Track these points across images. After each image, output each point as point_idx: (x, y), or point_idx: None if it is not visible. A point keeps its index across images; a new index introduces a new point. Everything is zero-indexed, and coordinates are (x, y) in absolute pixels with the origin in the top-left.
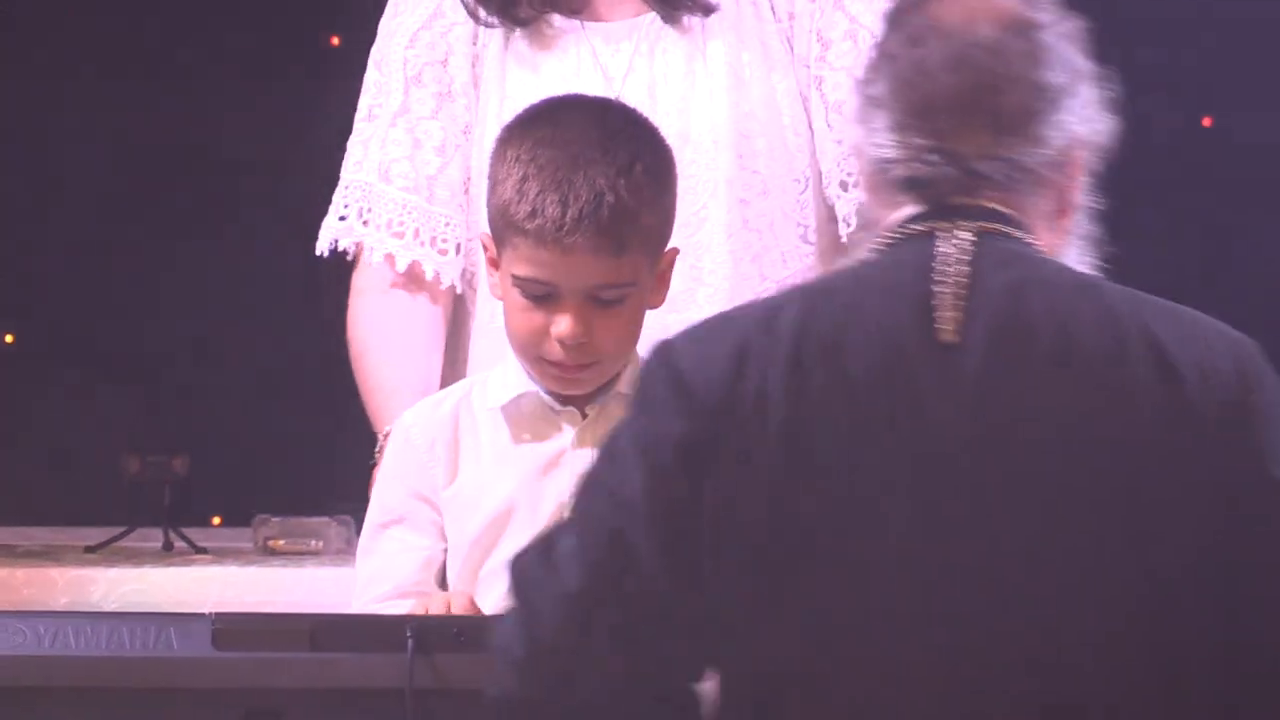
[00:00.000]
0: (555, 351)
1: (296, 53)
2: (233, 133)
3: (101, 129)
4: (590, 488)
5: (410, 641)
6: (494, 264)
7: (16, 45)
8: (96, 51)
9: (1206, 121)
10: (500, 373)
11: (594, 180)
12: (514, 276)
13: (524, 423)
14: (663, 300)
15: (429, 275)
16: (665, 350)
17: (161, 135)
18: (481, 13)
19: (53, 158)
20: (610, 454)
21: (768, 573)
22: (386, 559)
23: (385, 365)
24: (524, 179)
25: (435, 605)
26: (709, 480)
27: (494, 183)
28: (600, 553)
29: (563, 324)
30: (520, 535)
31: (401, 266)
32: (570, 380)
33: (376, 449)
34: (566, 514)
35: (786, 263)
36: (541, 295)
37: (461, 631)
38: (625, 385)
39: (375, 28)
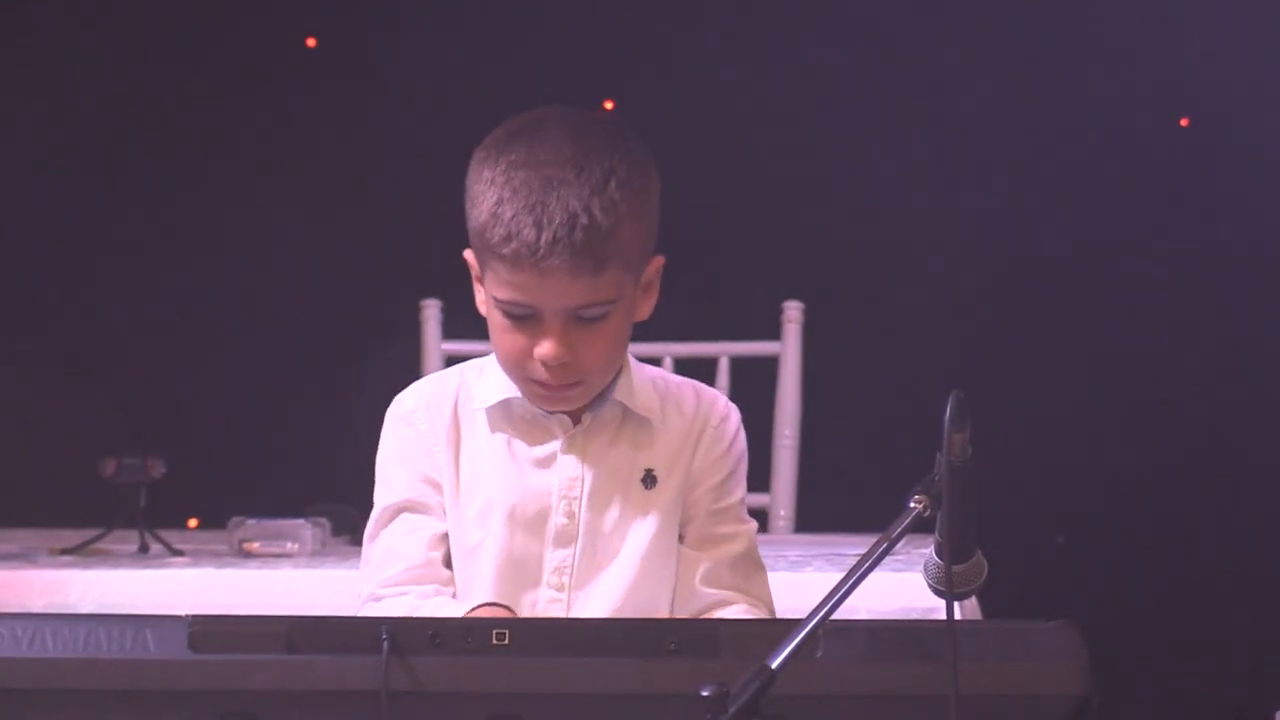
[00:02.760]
0: (540, 371)
1: (279, 54)
2: (217, 134)
3: (86, 132)
4: None
5: (386, 643)
6: (479, 281)
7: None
8: (89, 45)
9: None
10: (494, 368)
11: (567, 202)
12: (495, 298)
13: (514, 423)
14: (650, 310)
15: None
16: None
17: (147, 137)
18: None
19: (27, 157)
20: None
21: None
22: (396, 539)
23: None
24: (499, 202)
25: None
26: None
27: (471, 204)
28: None
29: (545, 345)
30: (503, 533)
31: None
32: (557, 398)
33: None
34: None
35: None
36: (523, 316)
37: (437, 634)
38: (620, 394)
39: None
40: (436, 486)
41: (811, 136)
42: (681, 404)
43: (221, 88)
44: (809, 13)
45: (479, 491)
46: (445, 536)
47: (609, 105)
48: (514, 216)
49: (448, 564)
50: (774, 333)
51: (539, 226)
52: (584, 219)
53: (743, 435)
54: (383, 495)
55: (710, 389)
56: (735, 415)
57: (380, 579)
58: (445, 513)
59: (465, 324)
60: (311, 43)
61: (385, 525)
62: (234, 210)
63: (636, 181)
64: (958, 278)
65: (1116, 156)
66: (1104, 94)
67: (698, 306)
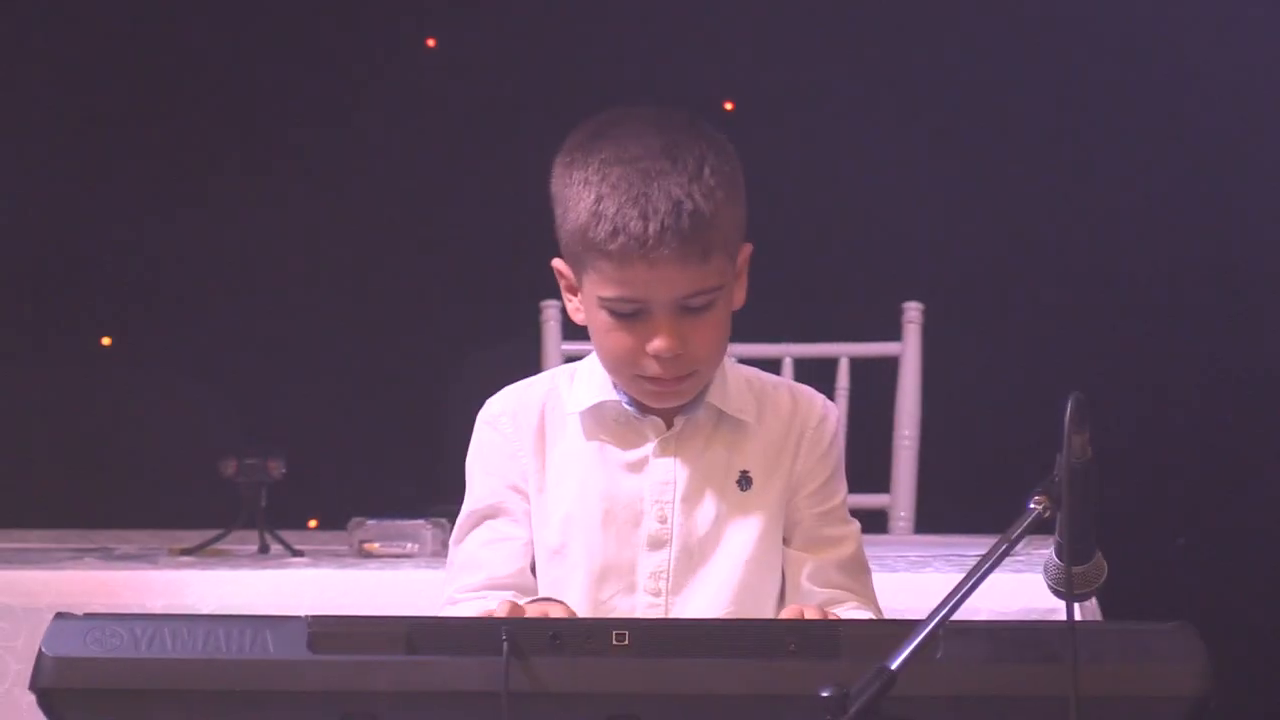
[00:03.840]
0: (652, 367)
1: (390, 53)
2: (343, 137)
3: (208, 139)
4: None
5: (506, 644)
6: (572, 290)
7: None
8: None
9: None
10: (586, 374)
11: (669, 190)
12: (600, 298)
13: (606, 428)
14: (744, 298)
15: None
16: None
17: (275, 140)
18: None
19: (150, 167)
20: None
21: None
22: (479, 548)
23: None
24: (598, 199)
25: (531, 614)
26: None
27: (564, 208)
28: None
29: (658, 339)
30: (596, 537)
31: None
32: (670, 393)
33: None
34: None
35: None
36: (631, 313)
37: (557, 634)
38: (714, 397)
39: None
40: (521, 493)
41: (934, 136)
42: (778, 405)
43: (350, 91)
44: (938, 12)
45: (568, 496)
46: (528, 544)
47: (729, 106)
48: (618, 211)
49: (533, 570)
50: (894, 333)
51: (645, 217)
52: (688, 205)
53: (842, 434)
54: (468, 500)
55: (807, 388)
56: (834, 414)
57: (460, 585)
58: (529, 518)
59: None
60: (432, 42)
61: (469, 531)
62: (357, 211)
63: (726, 167)
64: (1078, 278)
65: (1246, 162)
66: (1238, 101)
67: (818, 307)
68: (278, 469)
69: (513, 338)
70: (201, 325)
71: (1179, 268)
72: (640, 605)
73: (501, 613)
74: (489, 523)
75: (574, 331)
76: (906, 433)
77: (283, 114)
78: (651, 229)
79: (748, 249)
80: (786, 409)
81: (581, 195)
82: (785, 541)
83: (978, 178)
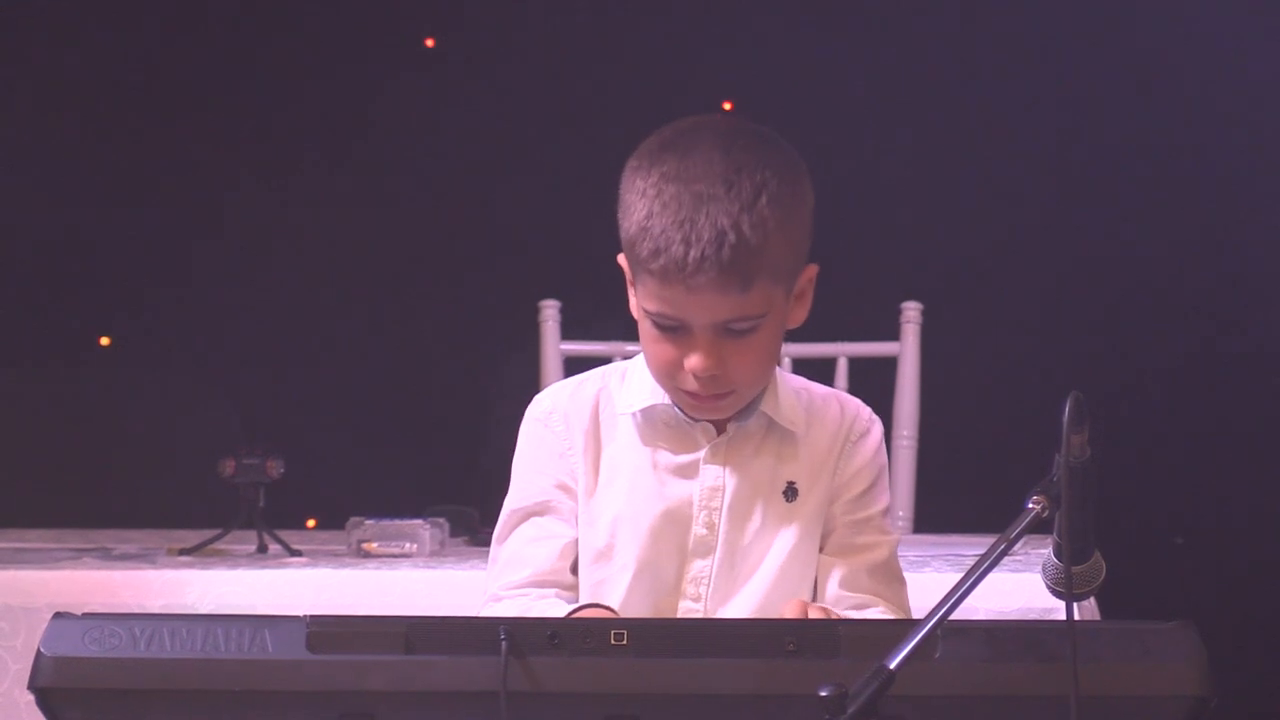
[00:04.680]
0: (690, 381)
1: (390, 53)
2: (341, 135)
3: (206, 140)
4: None
5: (504, 644)
6: (632, 285)
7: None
8: (199, 61)
9: None
10: (637, 375)
11: (716, 219)
12: (645, 309)
13: (658, 430)
14: (804, 317)
15: None
16: None
17: (274, 138)
18: None
19: (151, 168)
20: None
21: None
22: (524, 544)
23: None
24: (648, 216)
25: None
26: None
27: (624, 213)
28: None
29: (694, 358)
30: (642, 540)
31: None
32: (707, 408)
33: None
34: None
35: None
36: (672, 327)
37: (555, 634)
38: (767, 406)
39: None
40: (569, 491)
41: (933, 136)
42: (826, 416)
43: (350, 91)
44: (937, 12)
45: (617, 497)
46: (574, 543)
47: (727, 106)
48: (663, 232)
49: (575, 571)
50: (892, 333)
51: (687, 243)
52: (732, 237)
53: (884, 449)
54: (514, 497)
55: (855, 400)
56: (878, 428)
57: (504, 582)
58: (575, 517)
59: (583, 326)
60: (430, 42)
61: (514, 528)
62: (356, 211)
63: (787, 195)
64: (1078, 278)
65: (1242, 163)
66: (1227, 100)
67: (816, 307)
68: (276, 469)
69: (512, 338)
70: (201, 325)
71: (1178, 267)
72: (681, 610)
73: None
74: (535, 519)
75: (574, 332)
76: (905, 432)
77: (283, 115)
78: (692, 255)
79: (811, 271)
80: (834, 420)
81: (637, 205)
82: (820, 548)
83: (977, 178)
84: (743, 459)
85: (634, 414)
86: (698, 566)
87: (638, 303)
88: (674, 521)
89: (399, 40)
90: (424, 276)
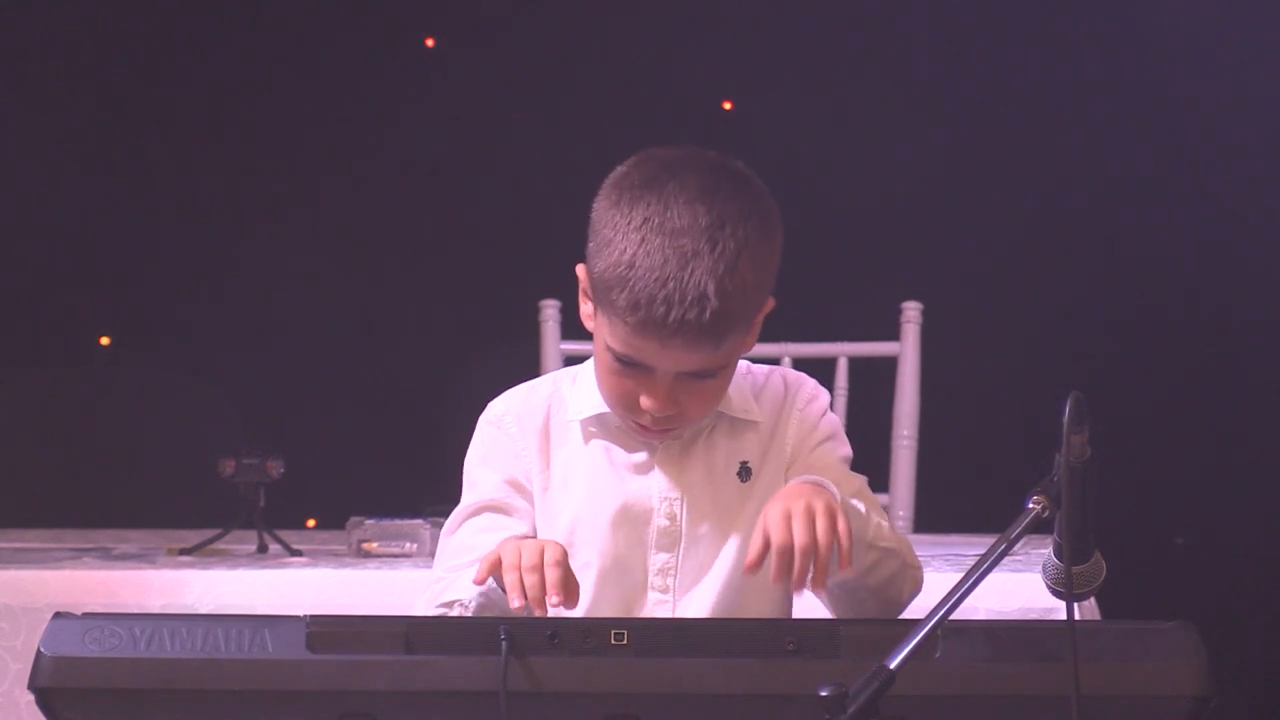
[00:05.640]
0: (645, 416)
1: (390, 53)
2: (339, 135)
3: (206, 141)
4: None
5: (504, 644)
6: (587, 297)
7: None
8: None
9: None
10: (588, 380)
11: (699, 279)
12: (609, 346)
13: (609, 433)
14: (753, 345)
15: None
16: None
17: (273, 140)
18: None
19: (149, 168)
20: None
21: None
22: (474, 534)
23: None
24: (630, 265)
25: (528, 550)
26: None
27: (597, 243)
28: None
29: (652, 400)
30: (605, 536)
31: None
32: (656, 435)
33: None
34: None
35: None
36: (634, 365)
37: (555, 634)
38: (721, 404)
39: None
40: (523, 491)
41: (933, 136)
42: (773, 394)
43: (350, 92)
44: (938, 12)
45: (574, 498)
46: (524, 539)
47: (727, 106)
48: (645, 288)
49: None
50: (892, 333)
51: (669, 304)
52: (714, 303)
53: (831, 415)
54: (468, 495)
55: (796, 373)
56: (824, 397)
57: (448, 566)
58: (529, 517)
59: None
60: (430, 42)
61: (464, 520)
62: (356, 211)
63: (764, 251)
64: (1078, 278)
65: (1243, 163)
66: (1227, 101)
67: (817, 307)
68: (276, 469)
69: (512, 338)
70: (201, 325)
71: (1178, 267)
72: (649, 603)
73: (499, 550)
74: (488, 514)
75: (573, 332)
76: (905, 432)
77: (283, 115)
78: (672, 317)
79: (768, 305)
80: (778, 394)
81: (614, 243)
82: None
83: (977, 178)
84: (697, 450)
85: (583, 420)
86: (663, 559)
87: (601, 330)
88: (634, 516)
89: (399, 40)
90: (424, 276)
